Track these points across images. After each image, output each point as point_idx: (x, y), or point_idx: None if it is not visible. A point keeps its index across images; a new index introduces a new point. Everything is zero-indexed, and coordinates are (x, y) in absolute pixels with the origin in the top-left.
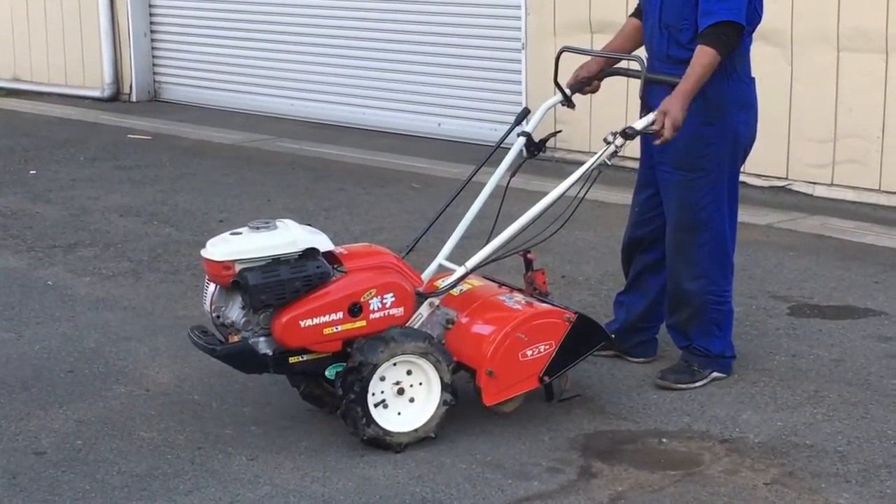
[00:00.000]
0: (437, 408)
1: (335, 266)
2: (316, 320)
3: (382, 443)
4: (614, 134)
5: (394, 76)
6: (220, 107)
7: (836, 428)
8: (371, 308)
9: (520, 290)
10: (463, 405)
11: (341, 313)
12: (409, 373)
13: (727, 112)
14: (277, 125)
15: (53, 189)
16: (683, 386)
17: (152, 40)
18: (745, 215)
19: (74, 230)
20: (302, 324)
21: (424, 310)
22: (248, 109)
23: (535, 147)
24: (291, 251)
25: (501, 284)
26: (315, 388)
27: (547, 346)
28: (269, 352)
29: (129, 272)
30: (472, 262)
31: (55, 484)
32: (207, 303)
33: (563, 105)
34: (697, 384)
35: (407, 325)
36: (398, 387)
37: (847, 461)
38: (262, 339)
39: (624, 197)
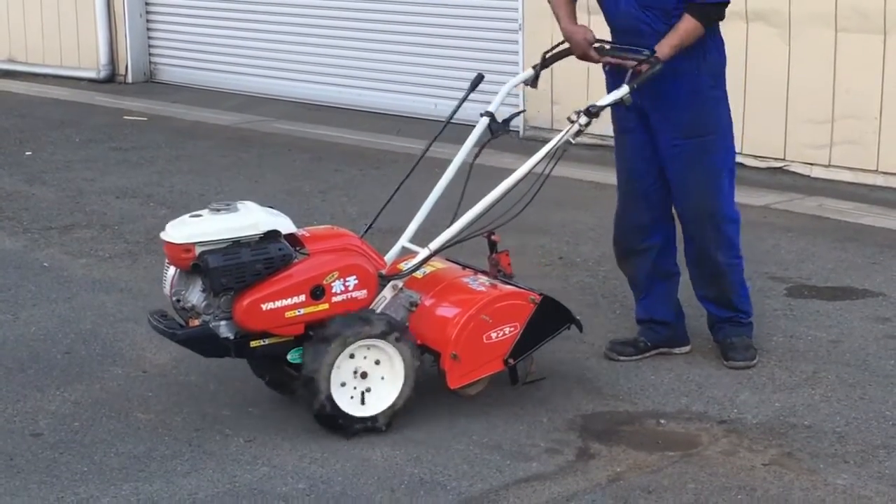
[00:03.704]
0: (399, 395)
1: (298, 248)
2: (278, 303)
3: (335, 423)
4: (578, 112)
5: (390, 57)
6: (215, 88)
7: (835, 409)
8: (334, 291)
9: (484, 273)
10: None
11: (303, 296)
12: (371, 359)
13: (724, 75)
14: (274, 106)
15: (49, 170)
16: (753, 363)
17: (148, 21)
18: (742, 196)
19: (70, 212)
20: (263, 307)
21: (388, 292)
22: (245, 91)
23: (499, 126)
24: (252, 233)
25: (465, 266)
26: (280, 374)
27: (512, 329)
28: (231, 336)
29: (126, 254)
30: (435, 244)
31: (52, 465)
32: (167, 286)
33: (526, 84)
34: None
35: (370, 307)
36: (361, 370)
37: (845, 442)
38: (223, 322)
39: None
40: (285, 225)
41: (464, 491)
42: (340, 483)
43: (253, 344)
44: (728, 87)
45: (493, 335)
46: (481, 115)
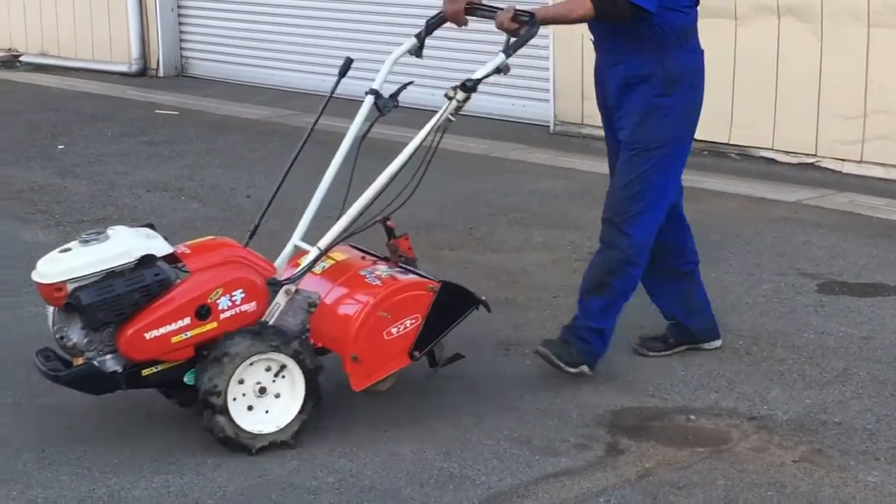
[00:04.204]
0: (303, 405)
1: (179, 267)
2: (162, 330)
3: (237, 444)
4: (455, 88)
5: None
6: (246, 82)
7: (865, 405)
8: (220, 308)
9: (385, 260)
10: (489, 381)
11: (188, 318)
12: (271, 372)
13: (682, 83)
14: (304, 101)
15: (81, 164)
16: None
17: (179, 15)
18: (773, 192)
19: (102, 205)
20: (147, 336)
21: (281, 298)
22: (275, 85)
23: (386, 103)
24: (126, 262)
25: (366, 255)
26: (186, 394)
27: (413, 321)
28: (119, 369)
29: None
30: (324, 242)
31: (83, 458)
32: (50, 324)
33: (411, 55)
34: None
35: (264, 317)
36: (259, 386)
37: (876, 439)
38: (108, 356)
39: None
40: (160, 247)
41: (493, 486)
42: (369, 477)
43: (145, 373)
44: (760, 82)
45: (394, 330)
46: (366, 93)
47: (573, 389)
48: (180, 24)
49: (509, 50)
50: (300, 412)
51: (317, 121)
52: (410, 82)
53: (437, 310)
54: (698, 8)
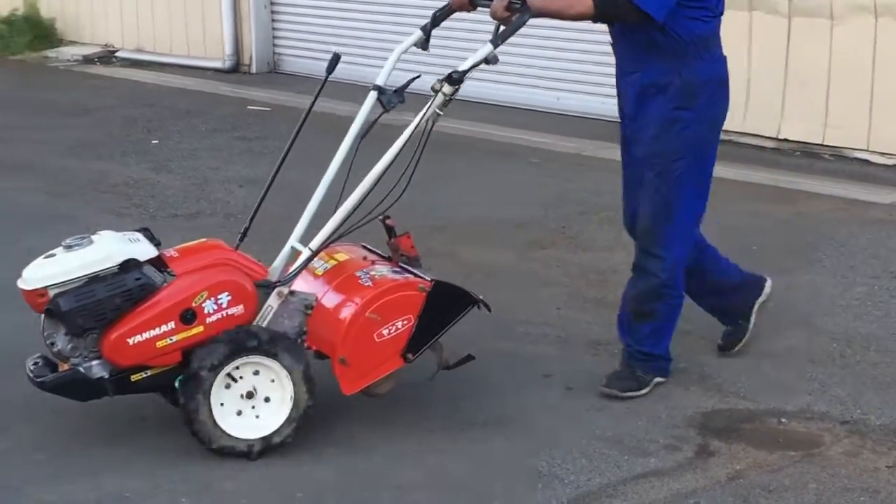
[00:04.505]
0: (293, 407)
1: (166, 271)
2: (146, 335)
3: (235, 452)
4: (441, 81)
5: (512, 49)
6: (338, 79)
7: None
8: (206, 311)
9: (387, 259)
10: (579, 380)
11: (173, 323)
12: (256, 373)
13: (701, 94)
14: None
15: (175, 159)
16: (624, 394)
17: (272, 12)
18: (867, 193)
19: (195, 200)
20: (130, 341)
21: (273, 301)
22: (367, 82)
23: (390, 98)
24: (108, 266)
25: (368, 255)
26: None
27: (405, 322)
28: (105, 374)
29: (249, 242)
30: (315, 243)
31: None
32: (42, 330)
33: (417, 48)
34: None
35: (256, 320)
36: (246, 390)
37: None
38: (94, 362)
39: (738, 172)
40: (143, 251)
41: (581, 485)
42: (460, 473)
43: (134, 378)
44: (855, 83)
45: (385, 332)
46: (371, 89)
47: (663, 390)
48: (273, 20)
49: (497, 39)
50: (289, 415)
51: (304, 118)
52: (417, 76)
53: (430, 310)
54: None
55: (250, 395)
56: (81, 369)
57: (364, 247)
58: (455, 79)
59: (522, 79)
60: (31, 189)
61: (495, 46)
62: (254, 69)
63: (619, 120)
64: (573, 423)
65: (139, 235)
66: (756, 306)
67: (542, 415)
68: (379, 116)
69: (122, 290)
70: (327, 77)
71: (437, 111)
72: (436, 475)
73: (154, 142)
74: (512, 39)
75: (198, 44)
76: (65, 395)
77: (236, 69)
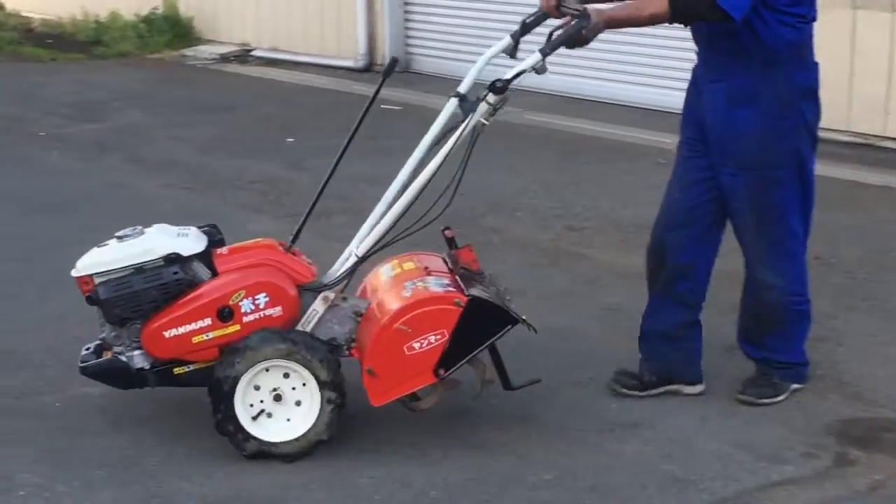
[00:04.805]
0: (321, 410)
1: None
2: (181, 329)
3: (267, 455)
4: (486, 90)
5: (643, 50)
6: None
7: None
8: (243, 311)
9: (450, 272)
10: (714, 384)
11: (209, 319)
12: (286, 376)
13: (800, 102)
14: (525, 98)
15: (308, 157)
16: (763, 400)
17: (406, 12)
18: None
19: (327, 197)
20: (166, 334)
21: (319, 305)
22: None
23: (471, 107)
24: (149, 259)
25: (441, 264)
26: None
27: (438, 336)
28: (147, 366)
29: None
30: (362, 249)
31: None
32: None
33: (506, 55)
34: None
35: (300, 324)
36: (275, 393)
37: None
38: (136, 352)
39: (884, 178)
40: (188, 246)
41: (717, 491)
42: (589, 476)
43: (176, 371)
44: None
45: (416, 345)
46: (451, 96)
47: (800, 396)
48: (406, 20)
49: (547, 48)
50: (315, 423)
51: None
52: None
53: (465, 327)
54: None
55: (278, 398)
56: (123, 358)
57: (443, 258)
58: (499, 88)
59: (653, 79)
60: (171, 185)
61: (543, 56)
62: None
63: None
64: (707, 427)
65: (191, 230)
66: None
67: (675, 418)
68: (457, 125)
69: (159, 284)
70: (383, 81)
71: (483, 121)
72: (566, 477)
73: (289, 140)
74: (642, 41)
75: (331, 43)
76: (104, 381)
77: (369, 68)
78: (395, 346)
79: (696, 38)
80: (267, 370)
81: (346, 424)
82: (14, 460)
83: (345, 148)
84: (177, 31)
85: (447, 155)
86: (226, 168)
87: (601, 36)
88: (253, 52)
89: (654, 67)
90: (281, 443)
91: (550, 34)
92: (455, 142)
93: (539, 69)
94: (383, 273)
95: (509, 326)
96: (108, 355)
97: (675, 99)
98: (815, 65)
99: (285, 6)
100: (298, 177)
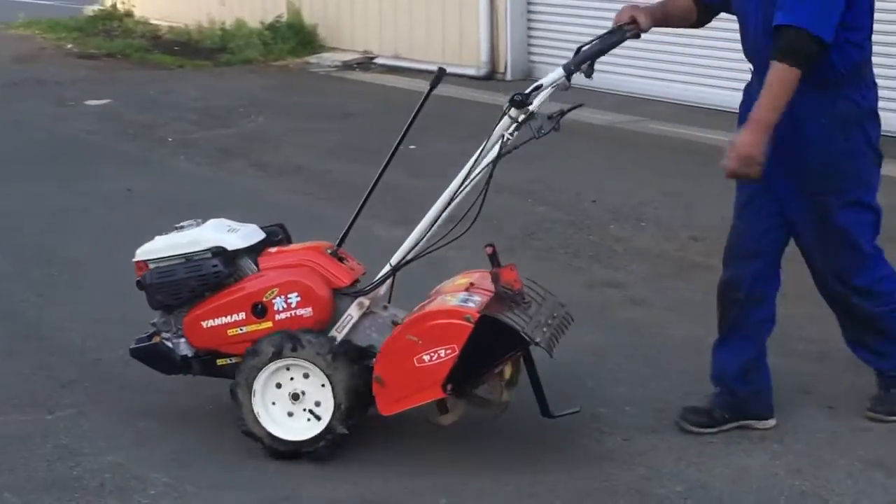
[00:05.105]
0: (331, 418)
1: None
2: (218, 321)
3: (260, 441)
4: (508, 104)
5: (724, 54)
6: (591, 87)
7: None
8: (276, 308)
9: (488, 292)
10: (843, 399)
11: (243, 314)
12: (305, 376)
13: (863, 122)
14: (649, 107)
15: (431, 164)
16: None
17: (528, 20)
18: None
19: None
20: (204, 324)
21: (354, 311)
22: (620, 90)
23: (543, 125)
24: (195, 250)
25: (484, 282)
26: None
27: (448, 351)
28: (190, 353)
29: (504, 248)
30: (395, 259)
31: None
32: None
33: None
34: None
35: (334, 328)
36: (293, 392)
37: None
38: (182, 340)
39: None
40: (234, 242)
41: None
42: (718, 489)
43: (220, 362)
44: None
45: (427, 358)
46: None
47: None
48: (529, 28)
49: (571, 66)
50: (329, 425)
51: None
52: (581, 104)
53: (476, 344)
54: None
55: (296, 398)
56: (169, 344)
57: (492, 273)
58: (517, 101)
59: (689, 77)
60: (295, 191)
61: (567, 73)
62: (508, 76)
63: None
64: (835, 443)
65: (247, 227)
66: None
67: (803, 433)
68: (525, 142)
69: (199, 274)
70: (430, 91)
71: (507, 134)
72: (696, 490)
73: (411, 147)
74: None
75: (453, 51)
76: (147, 363)
77: (491, 76)
78: (404, 356)
79: (753, 58)
80: (288, 369)
81: (477, 438)
82: (148, 460)
83: (394, 151)
84: (301, 38)
85: (471, 168)
86: (348, 174)
87: (727, 45)
88: (375, 60)
89: (693, 66)
90: (280, 438)
91: (578, 49)
92: (478, 155)
93: (561, 85)
94: (443, 285)
95: (519, 347)
96: (157, 340)
97: None
98: (874, 84)
99: (407, 14)
100: (419, 184)
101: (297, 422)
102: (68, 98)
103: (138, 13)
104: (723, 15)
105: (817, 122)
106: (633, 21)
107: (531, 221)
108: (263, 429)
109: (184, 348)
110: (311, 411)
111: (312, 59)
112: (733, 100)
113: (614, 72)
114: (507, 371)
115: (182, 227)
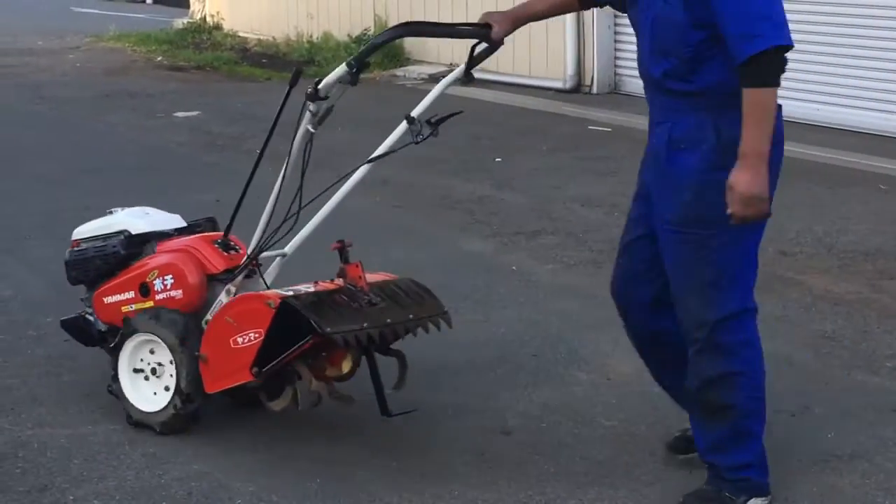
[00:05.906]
0: (171, 396)
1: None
2: (114, 298)
3: (118, 399)
4: (305, 97)
5: (865, 73)
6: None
7: None
8: (156, 289)
9: (326, 283)
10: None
11: (133, 292)
12: (151, 352)
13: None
14: None
15: (517, 177)
16: None
17: (615, 33)
18: None
19: (537, 218)
20: (105, 300)
21: (224, 297)
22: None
23: (421, 130)
24: (107, 232)
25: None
26: None
27: (256, 335)
28: (103, 328)
29: (590, 262)
30: (249, 248)
31: (520, 464)
32: None
33: (461, 83)
34: None
35: (209, 312)
36: (152, 365)
37: None
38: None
39: None
40: (139, 226)
41: None
42: None
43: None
44: None
45: (240, 340)
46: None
47: None
48: (616, 41)
49: (352, 60)
50: (169, 403)
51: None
52: (459, 112)
53: (280, 329)
54: None
55: (154, 372)
56: (90, 318)
57: (339, 269)
58: (310, 95)
59: (876, 104)
60: (381, 202)
61: (349, 67)
62: (595, 90)
63: None
64: None
65: (161, 214)
66: None
67: (893, 452)
68: (401, 147)
69: (102, 254)
70: (288, 93)
71: (309, 128)
72: None
73: (497, 160)
74: (866, 65)
75: (540, 64)
76: (72, 335)
77: (577, 89)
78: (223, 337)
79: (643, 77)
80: (148, 341)
81: (562, 445)
82: (234, 470)
83: (263, 149)
84: (387, 51)
85: (287, 163)
86: (434, 186)
87: (815, 58)
88: None
89: (872, 91)
90: (131, 405)
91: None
92: (291, 150)
93: (343, 79)
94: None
95: (308, 338)
96: (81, 314)
97: (877, 120)
98: (778, 107)
99: None
100: (507, 196)
101: (149, 392)
102: (158, 110)
103: (227, 26)
104: (816, 35)
105: (698, 146)
106: (488, 25)
107: (618, 235)
108: (126, 398)
109: (99, 322)
110: (165, 386)
111: (399, 71)
112: (822, 114)
113: None
114: (346, 364)
115: (112, 213)
